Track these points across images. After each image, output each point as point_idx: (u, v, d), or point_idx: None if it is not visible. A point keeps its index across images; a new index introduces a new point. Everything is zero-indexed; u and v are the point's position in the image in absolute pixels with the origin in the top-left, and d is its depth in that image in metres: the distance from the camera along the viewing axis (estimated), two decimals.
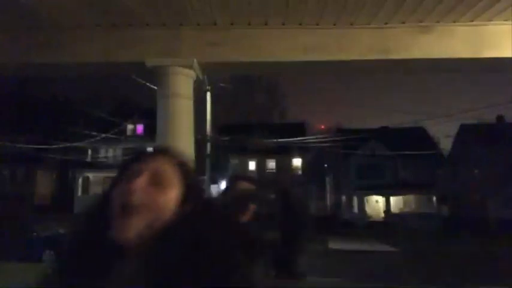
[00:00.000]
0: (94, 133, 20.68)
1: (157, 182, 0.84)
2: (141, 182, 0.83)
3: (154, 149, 0.96)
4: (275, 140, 23.29)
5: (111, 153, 29.60)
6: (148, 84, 10.15)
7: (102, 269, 0.79)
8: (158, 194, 0.84)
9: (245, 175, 2.00)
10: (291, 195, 1.89)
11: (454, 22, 3.23)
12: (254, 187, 1.89)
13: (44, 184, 29.73)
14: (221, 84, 16.78)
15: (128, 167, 0.87)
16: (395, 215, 30.04)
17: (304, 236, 1.89)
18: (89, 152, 29.29)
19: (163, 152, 0.94)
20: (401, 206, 31.32)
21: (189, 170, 0.93)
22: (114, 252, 0.80)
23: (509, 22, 3.17)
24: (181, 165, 0.92)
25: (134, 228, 0.80)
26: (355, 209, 32.59)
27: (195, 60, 3.23)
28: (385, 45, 3.25)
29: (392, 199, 30.97)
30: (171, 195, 0.85)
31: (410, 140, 28.79)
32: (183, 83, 3.29)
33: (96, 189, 25.53)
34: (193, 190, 0.90)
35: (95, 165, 28.49)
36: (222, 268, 0.80)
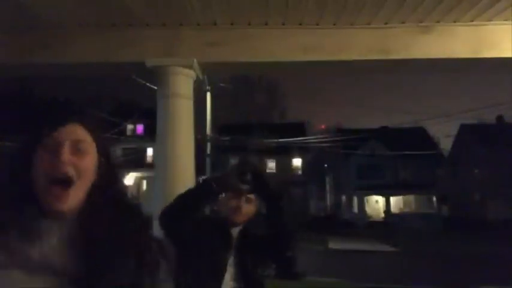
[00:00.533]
0: None
1: (78, 150, 0.87)
2: (67, 153, 0.85)
3: (66, 112, 0.95)
4: (275, 140, 23.29)
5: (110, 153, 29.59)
6: (148, 84, 10.15)
7: (30, 237, 0.80)
8: (82, 162, 0.87)
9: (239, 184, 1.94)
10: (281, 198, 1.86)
11: (454, 22, 3.23)
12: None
13: None
14: (221, 84, 16.78)
15: (46, 133, 0.86)
16: (395, 215, 30.05)
17: (292, 237, 1.87)
18: None
19: (73, 117, 0.93)
20: (401, 206, 31.32)
21: (101, 135, 0.96)
22: (43, 220, 0.82)
23: (509, 22, 3.17)
24: (96, 131, 0.94)
25: (72, 198, 0.83)
26: (355, 209, 32.59)
27: (195, 60, 3.23)
28: (385, 45, 3.25)
29: (392, 199, 30.98)
30: (91, 162, 0.89)
31: (410, 140, 28.77)
32: (183, 83, 3.29)
33: None
34: (105, 154, 0.94)
35: None
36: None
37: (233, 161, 33.33)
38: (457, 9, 3.04)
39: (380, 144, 30.13)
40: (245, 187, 1.80)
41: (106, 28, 3.25)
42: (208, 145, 15.10)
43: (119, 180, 0.96)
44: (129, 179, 30.38)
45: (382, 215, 30.58)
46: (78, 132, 0.90)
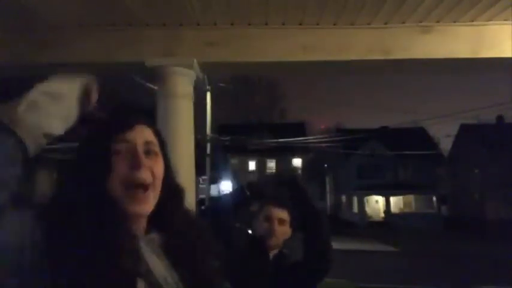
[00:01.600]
0: None
1: (149, 152, 0.85)
2: (143, 156, 0.82)
3: (134, 114, 0.93)
4: (275, 140, 23.30)
5: None
6: (148, 84, 10.14)
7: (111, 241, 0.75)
8: (155, 163, 0.85)
9: (276, 198, 1.75)
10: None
11: (454, 22, 3.23)
12: (286, 213, 1.71)
13: (44, 184, 29.77)
14: (221, 84, 16.78)
15: (118, 134, 0.83)
16: (395, 215, 30.06)
17: (331, 261, 1.71)
18: None
19: (140, 118, 0.92)
20: (401, 206, 31.33)
21: (162, 135, 0.94)
22: (121, 224, 0.78)
23: (509, 22, 3.17)
24: (160, 133, 0.94)
25: (152, 200, 0.83)
26: (355, 209, 32.59)
27: (195, 60, 3.23)
28: (385, 45, 3.25)
29: (392, 199, 30.99)
30: (161, 163, 0.88)
31: (410, 140, 28.77)
32: (183, 83, 3.29)
33: None
34: (167, 155, 0.93)
35: None
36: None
37: (233, 161, 33.38)
38: (457, 9, 3.04)
39: (380, 144, 30.13)
40: (281, 200, 1.66)
41: (106, 28, 3.25)
42: (208, 145, 15.10)
43: (179, 183, 0.97)
44: None
45: (382, 215, 30.59)
46: (148, 134, 0.88)
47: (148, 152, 0.84)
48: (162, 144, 0.91)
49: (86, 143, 0.85)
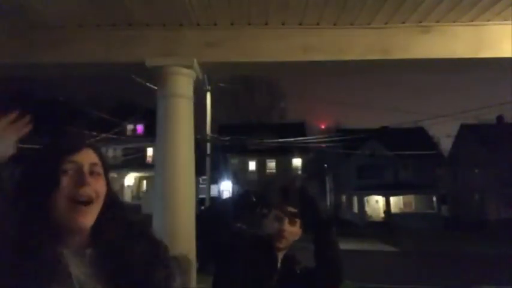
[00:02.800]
0: (94, 133, 20.66)
1: (93, 172, 0.96)
2: (88, 176, 0.93)
3: (80, 138, 1.05)
4: (275, 140, 23.29)
5: (111, 153, 29.57)
6: (148, 84, 10.14)
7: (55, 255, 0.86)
8: (98, 183, 0.96)
9: (287, 199, 1.67)
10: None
11: (454, 22, 3.23)
12: (297, 214, 1.67)
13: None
14: (221, 84, 16.77)
15: (66, 156, 0.94)
16: (395, 215, 30.04)
17: (341, 272, 1.66)
18: None
19: (86, 141, 1.04)
20: (401, 206, 31.32)
21: (106, 159, 1.05)
22: (55, 238, 0.88)
23: (509, 22, 3.17)
24: (103, 155, 1.04)
25: (93, 215, 0.92)
26: (355, 209, 32.58)
27: (195, 60, 3.23)
28: (385, 45, 3.25)
29: (392, 199, 30.98)
30: (103, 182, 0.98)
31: (410, 140, 28.76)
32: (183, 83, 3.29)
33: None
34: (108, 175, 1.03)
35: None
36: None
37: (233, 161, 33.34)
38: (457, 9, 3.04)
39: (380, 144, 30.11)
40: (289, 209, 1.61)
41: (106, 28, 3.25)
42: (208, 145, 15.09)
43: (120, 200, 1.06)
44: (129, 179, 30.36)
45: (382, 215, 30.57)
46: (92, 156, 0.99)
47: (92, 173, 0.96)
48: (105, 166, 1.02)
49: (36, 161, 0.96)
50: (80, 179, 0.92)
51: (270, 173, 32.97)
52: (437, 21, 3.23)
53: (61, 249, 0.88)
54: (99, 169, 0.98)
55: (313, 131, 37.71)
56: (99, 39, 3.27)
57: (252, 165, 34.01)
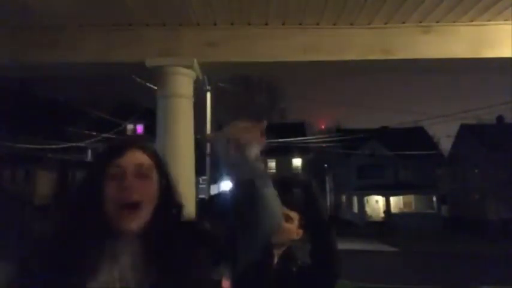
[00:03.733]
0: (94, 133, 20.66)
1: (141, 174, 0.95)
2: (132, 179, 0.93)
3: (126, 141, 1.04)
4: (275, 140, 23.28)
5: None
6: (148, 84, 10.14)
7: (104, 256, 0.89)
8: (145, 185, 0.95)
9: (284, 196, 1.30)
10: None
11: (454, 22, 3.23)
12: (295, 212, 1.65)
13: (43, 184, 29.72)
14: (221, 84, 16.77)
15: (110, 162, 0.95)
16: (395, 215, 30.03)
17: (338, 273, 1.64)
18: (89, 152, 29.27)
19: (137, 143, 1.02)
20: (401, 206, 31.31)
21: (161, 157, 1.04)
22: (114, 241, 0.91)
23: (509, 22, 3.17)
24: (155, 155, 1.02)
25: (140, 219, 0.92)
26: (355, 209, 32.56)
27: (195, 60, 3.23)
28: (385, 45, 3.25)
29: (392, 199, 30.96)
30: (154, 184, 0.97)
31: (410, 140, 28.76)
32: (183, 83, 3.29)
33: None
34: (165, 176, 1.02)
35: None
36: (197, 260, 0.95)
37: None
38: (457, 9, 3.04)
39: (380, 144, 30.11)
40: (290, 198, 1.55)
41: (106, 28, 3.25)
42: (208, 145, 15.08)
43: (178, 201, 1.04)
44: None
45: (382, 215, 30.56)
46: (139, 157, 0.98)
47: (139, 175, 0.95)
48: (159, 167, 1.01)
49: (86, 169, 1.00)
50: (122, 183, 0.91)
51: (270, 173, 32.95)
52: (438, 21, 3.23)
53: (114, 248, 0.90)
54: (148, 171, 0.97)
55: (313, 131, 37.74)
56: (99, 39, 3.27)
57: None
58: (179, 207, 1.02)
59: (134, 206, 0.91)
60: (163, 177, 1.00)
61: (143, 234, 0.93)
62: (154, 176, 0.98)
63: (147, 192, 0.94)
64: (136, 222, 0.91)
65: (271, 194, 1.02)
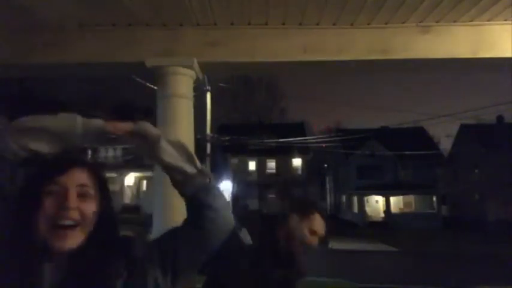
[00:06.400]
0: None
1: (82, 194, 0.92)
2: (74, 199, 0.89)
3: (71, 157, 0.98)
4: (275, 140, 23.28)
5: (111, 153, 29.58)
6: (148, 84, 10.14)
7: (31, 275, 0.85)
8: (86, 206, 0.92)
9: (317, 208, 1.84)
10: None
11: (454, 22, 3.23)
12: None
13: None
14: (221, 84, 16.77)
15: (50, 178, 0.90)
16: (395, 215, 30.03)
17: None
18: (89, 152, 29.26)
19: (80, 160, 0.98)
20: (401, 206, 31.30)
21: (103, 177, 1.00)
22: (43, 260, 0.87)
23: (509, 22, 3.17)
24: (98, 174, 0.99)
25: (75, 239, 0.89)
26: (355, 209, 32.56)
27: (195, 60, 3.23)
28: (385, 45, 3.25)
29: (392, 199, 30.95)
30: (92, 204, 0.94)
31: (410, 140, 28.76)
32: (183, 83, 3.29)
33: None
34: (106, 197, 0.99)
35: None
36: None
37: (233, 160, 33.36)
38: (457, 9, 3.04)
39: (380, 144, 30.10)
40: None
41: (106, 28, 3.25)
42: (208, 145, 15.08)
43: (115, 225, 1.00)
44: (129, 179, 30.37)
45: (382, 215, 30.56)
46: (82, 176, 0.94)
47: (81, 194, 0.91)
48: (100, 186, 0.97)
49: (23, 183, 0.93)
50: (62, 202, 0.88)
51: (270, 173, 32.98)
52: (437, 21, 3.23)
53: (42, 267, 0.87)
54: (90, 190, 0.93)
55: (313, 131, 37.72)
56: (99, 39, 3.27)
57: (252, 165, 34.00)
58: (115, 230, 0.99)
59: (71, 227, 0.88)
60: (103, 198, 0.97)
61: (74, 257, 0.90)
62: (95, 196, 0.95)
63: (86, 213, 0.91)
64: (70, 242, 0.88)
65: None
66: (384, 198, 31.05)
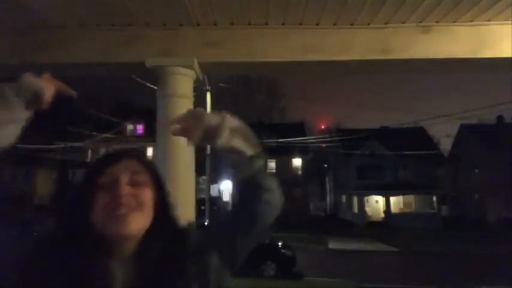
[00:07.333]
0: (94, 133, 20.68)
1: (136, 182, 0.93)
2: (125, 185, 0.90)
3: (122, 151, 1.00)
4: (275, 140, 23.29)
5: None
6: (148, 84, 10.15)
7: (88, 265, 0.86)
8: (140, 192, 0.92)
9: None
10: None
11: (454, 22, 3.23)
12: None
13: (43, 184, 29.71)
14: (221, 84, 16.78)
15: (103, 170, 0.92)
16: (395, 215, 30.04)
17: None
18: (89, 152, 29.27)
19: (132, 152, 1.00)
20: (401, 206, 31.30)
21: (157, 169, 1.02)
22: (100, 248, 0.88)
23: (509, 22, 3.17)
24: (151, 166, 1.00)
25: (135, 224, 0.89)
26: (355, 209, 32.56)
27: (195, 60, 3.23)
28: (385, 45, 3.25)
29: (392, 199, 30.97)
30: (147, 192, 0.94)
31: (410, 140, 28.77)
32: (183, 83, 3.29)
33: None
34: (161, 185, 0.99)
35: None
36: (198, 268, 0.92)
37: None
38: (457, 9, 3.04)
39: (380, 144, 30.11)
40: None
41: (106, 28, 3.25)
42: (208, 145, 15.07)
43: (174, 215, 1.00)
44: None
45: (382, 215, 30.57)
46: (133, 166, 0.95)
47: (133, 182, 0.92)
48: (153, 175, 0.98)
49: (78, 181, 0.96)
50: (115, 191, 0.89)
51: (270, 173, 32.95)
52: (437, 21, 3.23)
53: (108, 260, 0.87)
54: (143, 178, 0.94)
55: (313, 131, 37.72)
56: (99, 39, 3.27)
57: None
58: (175, 220, 1.00)
59: (127, 214, 0.88)
60: (158, 188, 0.98)
61: (137, 251, 0.90)
62: (150, 186, 0.95)
63: (142, 199, 0.91)
64: (130, 226, 0.88)
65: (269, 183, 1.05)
66: (384, 198, 31.06)
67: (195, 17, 3.14)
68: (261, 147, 1.10)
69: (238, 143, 1.06)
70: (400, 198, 31.15)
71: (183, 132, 1.03)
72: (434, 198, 30.83)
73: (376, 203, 31.91)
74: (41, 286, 0.82)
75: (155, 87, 3.44)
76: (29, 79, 0.98)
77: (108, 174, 0.91)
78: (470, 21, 3.20)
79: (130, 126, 30.48)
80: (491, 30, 3.21)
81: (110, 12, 3.09)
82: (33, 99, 0.98)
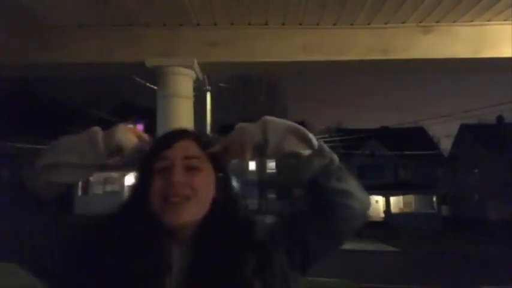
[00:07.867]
0: None
1: (191, 167, 0.88)
2: (179, 172, 0.86)
3: (178, 131, 0.96)
4: None
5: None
6: (148, 84, 10.15)
7: (150, 252, 0.83)
8: (196, 178, 0.88)
9: None
10: None
11: (454, 22, 3.23)
12: None
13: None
14: (221, 84, 16.78)
15: (157, 154, 0.89)
16: (395, 215, 30.04)
17: None
18: None
19: (189, 133, 0.96)
20: (401, 206, 31.30)
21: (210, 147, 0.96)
22: (158, 232, 0.85)
23: (509, 22, 3.17)
24: (207, 146, 0.95)
25: (190, 213, 0.85)
26: None
27: (195, 60, 3.23)
28: (385, 45, 3.25)
29: (392, 199, 30.96)
30: (202, 177, 0.89)
31: (410, 140, 28.77)
32: (183, 83, 3.29)
33: (97, 190, 25.43)
34: (222, 169, 0.94)
35: None
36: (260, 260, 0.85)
37: (233, 161, 33.27)
38: (457, 9, 3.04)
39: (380, 144, 30.11)
40: None
41: (106, 28, 3.25)
42: None
43: (235, 196, 0.96)
44: (129, 179, 30.43)
45: (382, 215, 30.57)
46: (189, 149, 0.91)
47: (188, 167, 0.88)
48: (213, 157, 0.93)
49: (138, 164, 0.94)
50: (169, 177, 0.85)
51: (270, 173, 32.99)
52: (437, 21, 3.23)
53: (166, 243, 0.85)
54: (199, 162, 0.89)
55: (313, 131, 37.62)
56: (99, 39, 3.27)
57: (252, 165, 33.99)
58: (237, 203, 0.95)
59: (181, 202, 0.84)
60: (219, 171, 0.92)
61: (195, 236, 0.86)
62: (208, 168, 0.90)
63: (197, 187, 0.86)
64: (185, 216, 0.84)
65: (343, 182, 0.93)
66: (384, 198, 31.05)
67: (195, 17, 3.14)
68: (319, 144, 0.96)
69: (291, 145, 0.93)
70: (400, 198, 31.15)
71: (235, 155, 0.94)
72: (434, 198, 30.83)
73: (376, 203, 31.89)
74: (95, 268, 0.80)
75: (155, 87, 3.44)
76: (123, 131, 0.96)
77: (163, 159, 0.88)
78: (470, 21, 3.20)
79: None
80: (491, 30, 3.21)
81: (110, 12, 3.09)
82: (117, 150, 0.95)
